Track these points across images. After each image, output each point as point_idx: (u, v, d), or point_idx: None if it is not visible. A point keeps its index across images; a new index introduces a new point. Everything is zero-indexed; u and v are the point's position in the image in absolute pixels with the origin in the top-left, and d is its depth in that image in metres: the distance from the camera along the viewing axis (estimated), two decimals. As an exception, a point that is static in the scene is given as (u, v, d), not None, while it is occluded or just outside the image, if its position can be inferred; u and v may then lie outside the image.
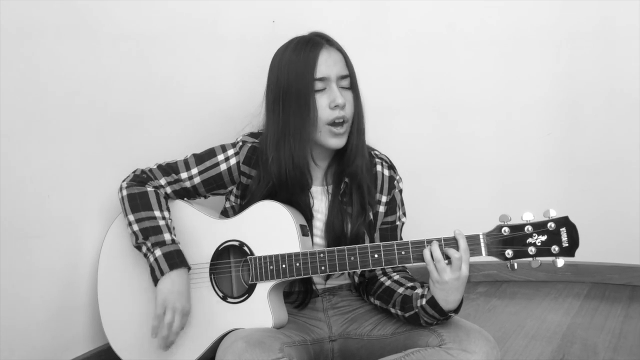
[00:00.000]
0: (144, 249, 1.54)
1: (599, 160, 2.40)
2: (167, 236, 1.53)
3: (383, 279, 1.61)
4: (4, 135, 1.55)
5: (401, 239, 1.68)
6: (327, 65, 1.54)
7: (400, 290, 1.55)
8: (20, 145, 1.59)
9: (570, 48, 2.37)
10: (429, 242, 1.41)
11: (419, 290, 1.49)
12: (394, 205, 1.67)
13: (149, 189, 1.59)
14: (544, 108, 2.43)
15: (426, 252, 1.41)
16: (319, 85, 1.54)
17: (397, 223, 1.68)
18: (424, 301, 1.44)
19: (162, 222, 1.55)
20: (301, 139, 1.53)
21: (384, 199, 1.66)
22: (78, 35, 1.70)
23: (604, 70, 2.35)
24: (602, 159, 2.40)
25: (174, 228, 1.57)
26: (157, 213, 1.56)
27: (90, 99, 1.74)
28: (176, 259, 1.51)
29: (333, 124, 1.54)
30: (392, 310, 1.56)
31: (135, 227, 1.54)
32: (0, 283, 1.56)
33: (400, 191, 1.69)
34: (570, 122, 2.42)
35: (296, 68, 1.53)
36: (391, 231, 1.67)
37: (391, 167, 1.69)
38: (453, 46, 2.42)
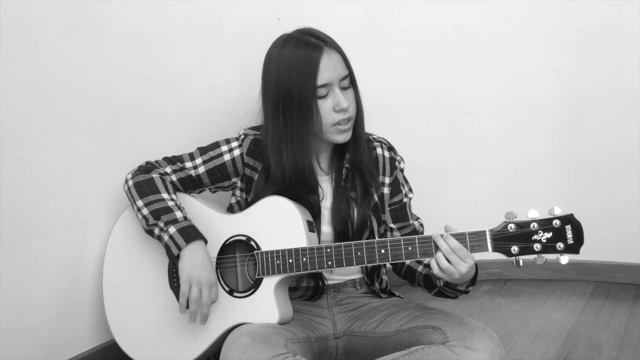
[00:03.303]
0: (157, 230, 1.53)
1: (604, 159, 2.39)
2: (178, 214, 1.53)
3: None
4: (9, 132, 1.55)
5: (412, 214, 1.71)
6: (328, 70, 1.52)
7: (420, 269, 1.61)
8: (25, 142, 1.60)
9: (575, 45, 2.36)
10: (435, 238, 1.42)
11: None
12: (397, 185, 1.69)
13: (155, 175, 1.60)
14: (549, 105, 2.42)
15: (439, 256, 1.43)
16: (321, 92, 1.53)
17: (405, 200, 1.70)
18: (441, 282, 1.54)
19: (171, 203, 1.55)
20: (304, 145, 1.54)
21: (387, 180, 1.67)
22: (83, 31, 1.70)
23: (609, 67, 2.34)
24: (607, 157, 2.39)
25: (183, 208, 1.57)
26: (165, 195, 1.56)
27: (96, 95, 1.74)
28: (191, 233, 1.50)
29: (339, 124, 1.55)
30: (420, 289, 1.65)
31: (145, 211, 1.54)
32: (5, 280, 1.56)
33: (402, 170, 1.71)
34: (575, 119, 2.41)
35: (297, 74, 1.51)
36: (401, 210, 1.69)
37: (390, 148, 1.70)
38: (458, 43, 2.41)
